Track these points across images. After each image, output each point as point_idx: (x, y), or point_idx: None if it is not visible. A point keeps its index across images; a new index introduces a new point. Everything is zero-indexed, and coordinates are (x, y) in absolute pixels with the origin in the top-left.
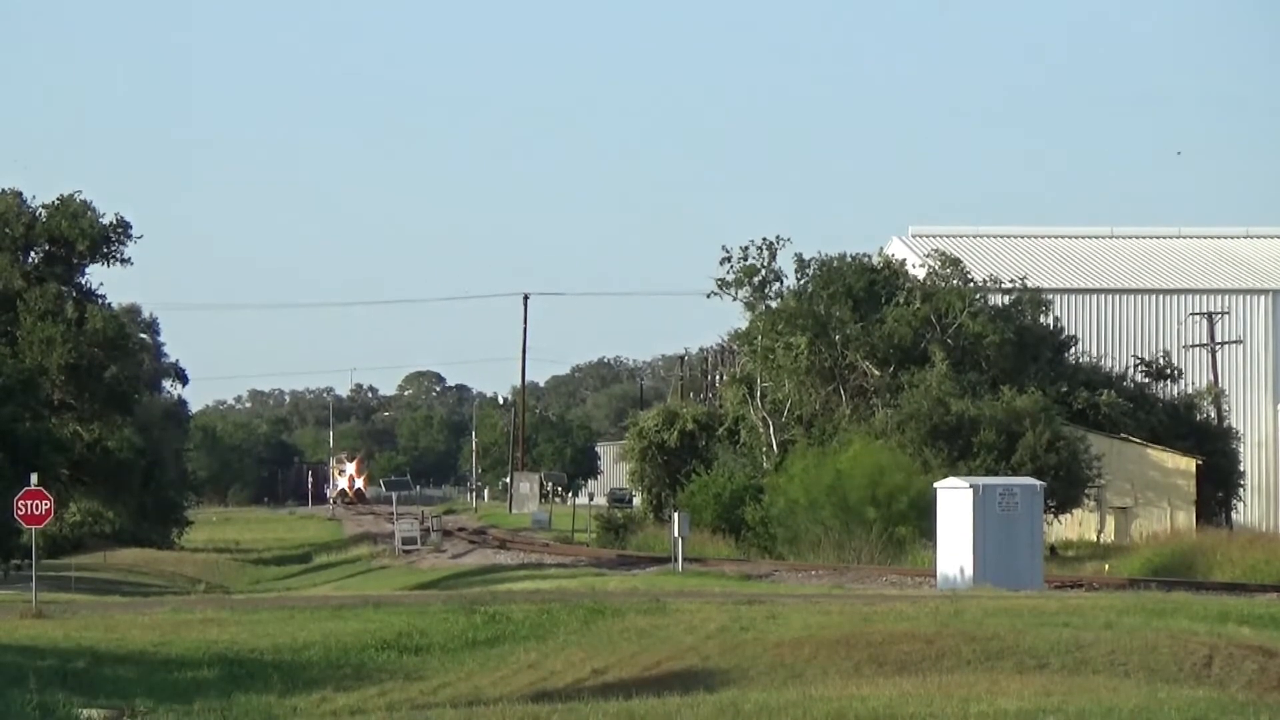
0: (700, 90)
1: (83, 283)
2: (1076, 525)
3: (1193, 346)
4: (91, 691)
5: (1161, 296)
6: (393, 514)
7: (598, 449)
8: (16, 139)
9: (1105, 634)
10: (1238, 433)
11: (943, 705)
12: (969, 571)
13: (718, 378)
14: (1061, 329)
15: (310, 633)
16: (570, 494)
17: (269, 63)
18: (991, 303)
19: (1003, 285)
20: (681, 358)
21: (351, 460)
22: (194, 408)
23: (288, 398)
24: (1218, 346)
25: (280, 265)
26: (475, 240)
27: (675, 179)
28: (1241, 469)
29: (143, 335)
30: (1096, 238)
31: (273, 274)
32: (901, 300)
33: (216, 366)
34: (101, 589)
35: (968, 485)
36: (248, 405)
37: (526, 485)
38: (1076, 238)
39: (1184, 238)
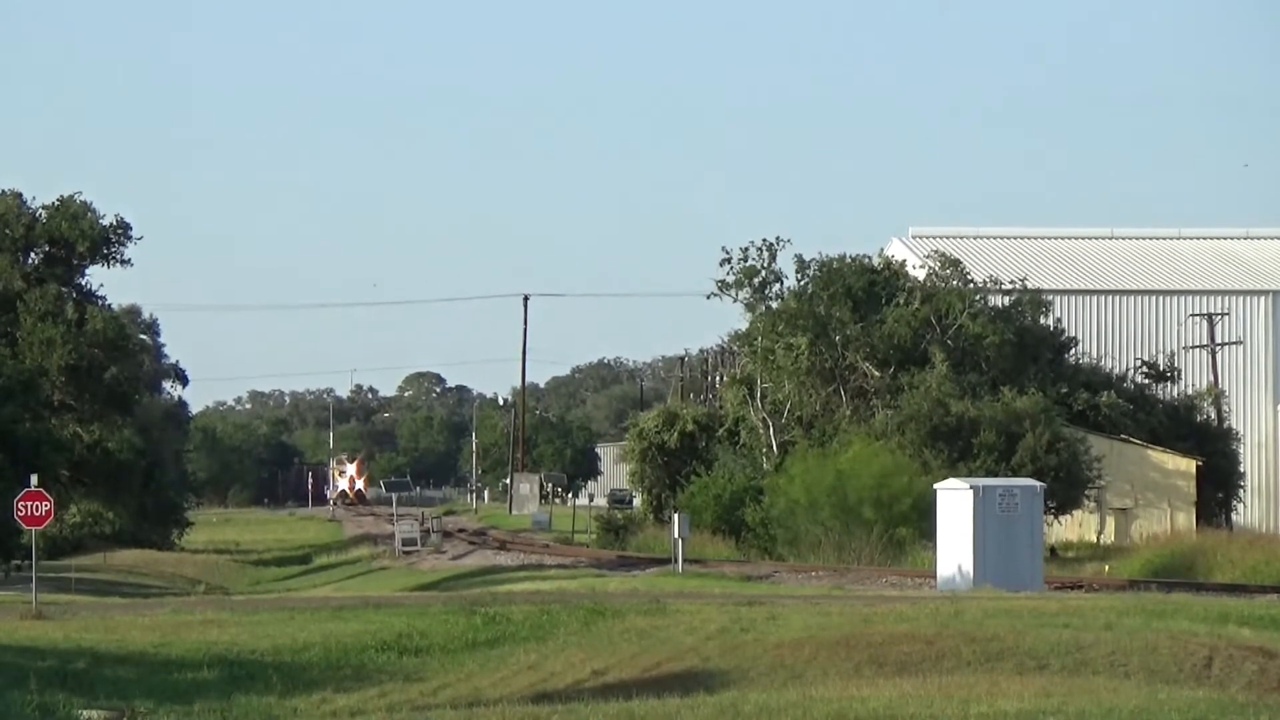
0: (700, 90)
1: (83, 284)
2: (1076, 526)
3: (1193, 347)
4: (91, 692)
5: (1161, 297)
6: (393, 515)
7: (598, 450)
8: (16, 139)
9: (1105, 635)
10: (1238, 434)
11: (943, 706)
12: (969, 572)
13: (718, 379)
14: (1062, 330)
15: (310, 634)
16: (570, 495)
17: (269, 63)
18: (991, 304)
19: (1003, 286)
20: (681, 359)
21: (352, 461)
22: (194, 409)
23: (288, 399)
24: (1218, 347)
25: (280, 265)
26: (475, 240)
27: (675, 179)
28: (1241, 470)
29: (143, 336)
30: (1096, 238)
31: (273, 274)
32: (901, 301)
33: (216, 367)
34: (101, 590)
35: (968, 486)
36: (248, 406)
37: (526, 486)
38: (1076, 238)
39: (1184, 238)
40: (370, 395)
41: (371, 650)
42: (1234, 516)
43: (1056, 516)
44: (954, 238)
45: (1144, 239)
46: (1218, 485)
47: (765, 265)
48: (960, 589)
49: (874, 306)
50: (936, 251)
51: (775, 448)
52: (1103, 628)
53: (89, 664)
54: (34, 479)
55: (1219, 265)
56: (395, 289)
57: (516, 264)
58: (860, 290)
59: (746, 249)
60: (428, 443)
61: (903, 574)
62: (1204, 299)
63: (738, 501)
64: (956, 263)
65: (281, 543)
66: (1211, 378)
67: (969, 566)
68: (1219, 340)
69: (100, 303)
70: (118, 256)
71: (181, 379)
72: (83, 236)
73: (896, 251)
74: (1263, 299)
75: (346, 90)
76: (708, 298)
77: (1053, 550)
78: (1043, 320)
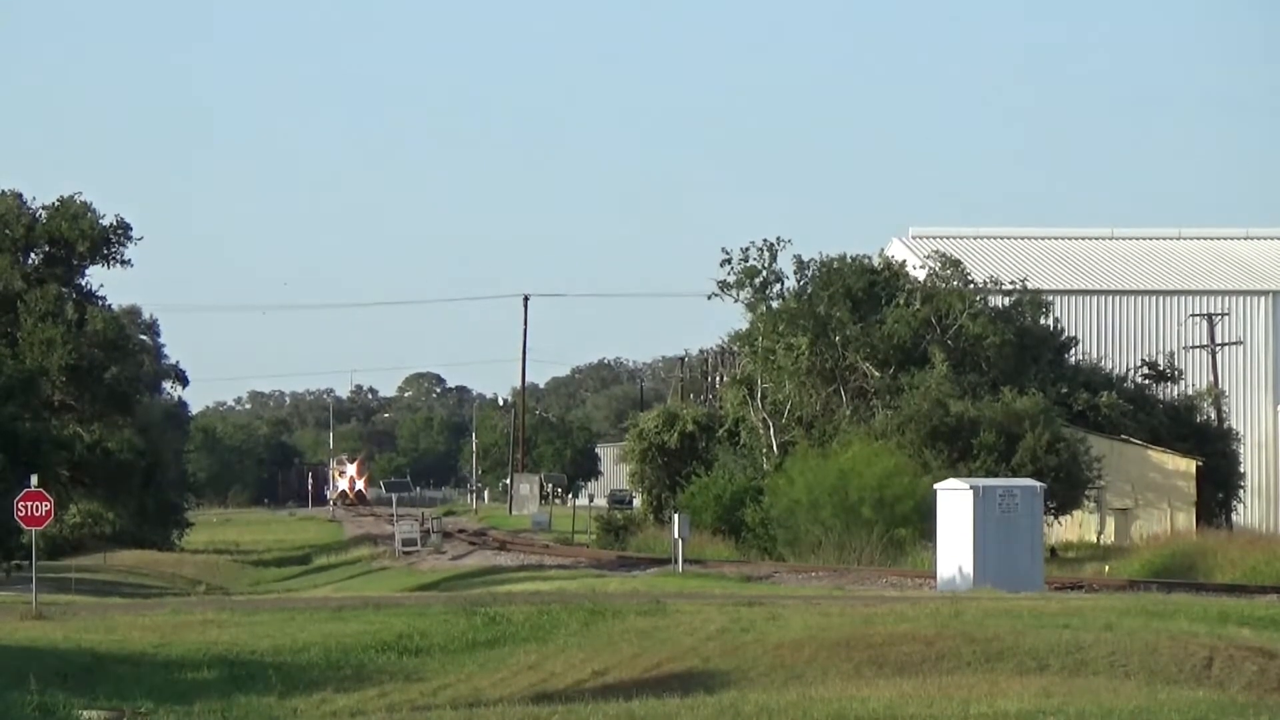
0: (700, 90)
1: (83, 284)
2: (1077, 527)
3: (1193, 348)
4: (92, 693)
5: (1161, 298)
6: (393, 515)
7: (598, 450)
8: (17, 139)
9: (1105, 635)
10: (1238, 434)
11: (943, 706)
12: (969, 573)
13: (718, 379)
14: (1062, 330)
15: (310, 634)
16: (570, 495)
17: (269, 63)
18: (992, 304)
19: (1003, 286)
20: (681, 359)
21: (352, 462)
22: (194, 409)
23: (288, 399)
24: (1218, 348)
25: (280, 265)
26: (475, 240)
27: (675, 179)
28: (1242, 470)
29: (143, 336)
30: (1096, 239)
31: (273, 274)
32: (902, 301)
33: (216, 368)
34: (101, 590)
35: (968, 487)
36: (248, 406)
37: (526, 487)
38: (1076, 239)
39: (1184, 239)
40: (370, 395)
41: (371, 650)
42: (1234, 517)
43: (1056, 517)
44: (954, 238)
45: (1144, 239)
46: (1218, 485)
47: (766, 265)
48: (960, 589)
49: (874, 307)
50: (937, 252)
51: (775, 448)
52: (1103, 628)
53: (89, 664)
54: (34, 479)
55: (1219, 265)
56: (395, 289)
57: (516, 264)
58: (860, 290)
59: (747, 249)
60: (428, 443)
61: (903, 574)
62: (1204, 299)
63: (738, 502)
64: (957, 263)
65: (281, 543)
66: (1211, 378)
67: (969, 567)
68: (1219, 340)
69: (100, 303)
70: (118, 257)
71: (181, 379)
72: (83, 237)
73: (896, 252)
74: (1263, 299)
75: (347, 90)
76: (709, 298)
77: (1053, 551)
78: (1043, 320)
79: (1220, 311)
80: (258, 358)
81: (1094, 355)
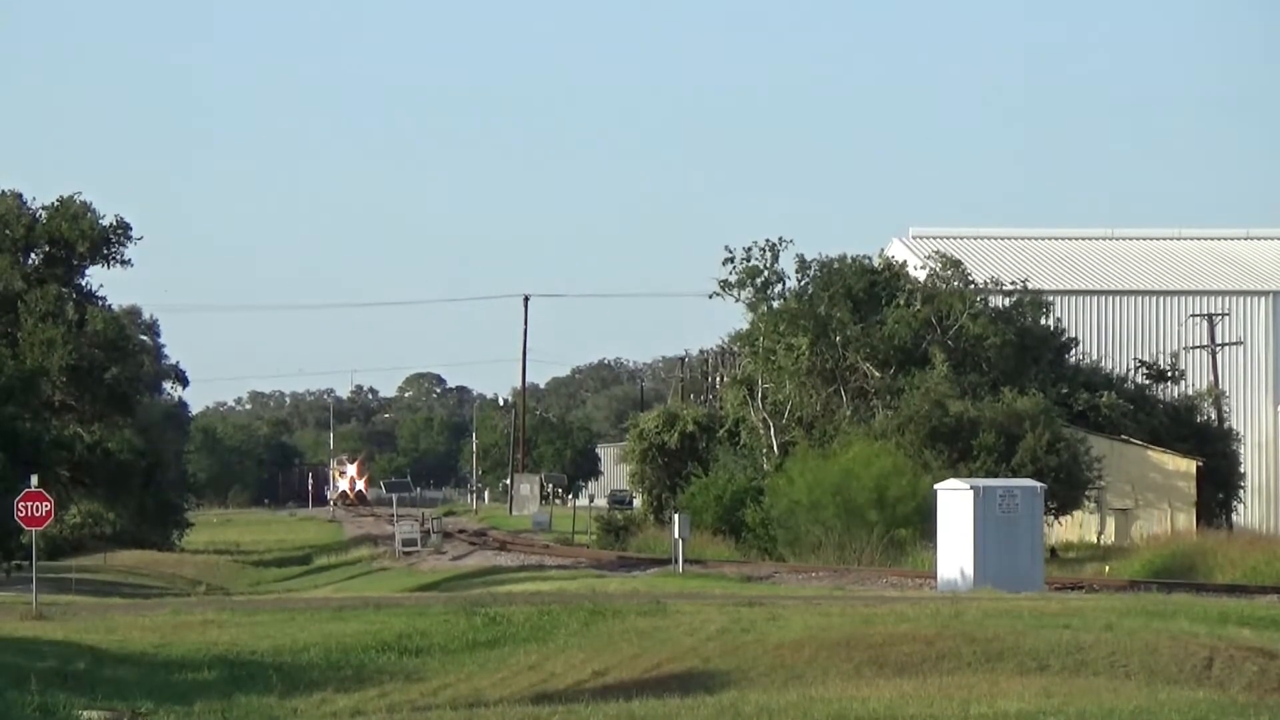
0: (700, 90)
1: (83, 284)
2: (1077, 527)
3: (1193, 348)
4: (92, 693)
5: (1161, 298)
6: (393, 516)
7: (598, 451)
8: (17, 139)
9: (1106, 635)
10: (1238, 434)
11: (943, 707)
12: (969, 573)
13: (718, 379)
14: (1062, 331)
15: (310, 634)
16: (570, 495)
17: (269, 63)
18: (992, 304)
19: (1003, 287)
20: (682, 359)
21: (352, 462)
22: (194, 409)
23: (288, 399)
24: (1218, 348)
25: (280, 265)
26: (475, 240)
27: (675, 179)
28: (1242, 470)
29: (143, 337)
30: (1096, 239)
31: (273, 274)
32: (902, 302)
33: (216, 367)
34: (102, 591)
35: (968, 487)
36: (248, 407)
37: (527, 487)
38: (1076, 239)
39: (1184, 239)
40: (370, 396)
41: (372, 651)
42: (1234, 517)
43: (1057, 517)
44: (954, 238)
45: (1144, 239)
46: (1218, 486)
47: (768, 265)
48: (960, 589)
49: (875, 307)
50: (937, 252)
51: (775, 448)
52: (1103, 628)
53: (89, 664)
54: (34, 479)
55: (1219, 265)
56: (395, 289)
57: (516, 264)
58: (861, 291)
59: (749, 249)
60: (428, 443)
61: (903, 574)
62: (1204, 299)
63: (738, 502)
64: (957, 263)
65: (282, 543)
66: (1211, 378)
67: (969, 567)
68: (1219, 340)
69: (100, 303)
70: (118, 257)
71: (181, 380)
72: (83, 237)
73: (897, 252)
74: (1263, 299)
75: (347, 90)
76: (710, 297)
77: (1053, 551)
78: (1043, 321)
79: (1220, 311)
80: (258, 358)
81: (1094, 355)
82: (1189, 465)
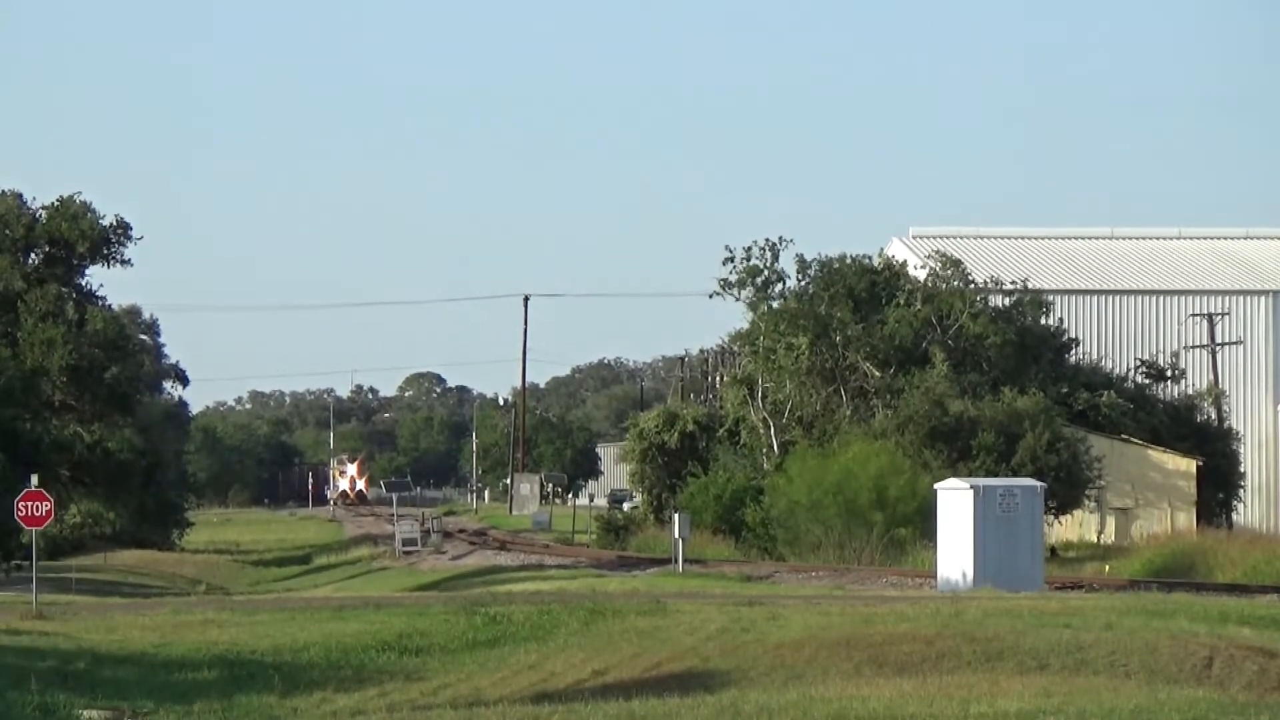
0: (700, 90)
1: (83, 284)
2: (1077, 526)
3: (1193, 347)
4: (92, 692)
5: (1162, 297)
6: (393, 515)
7: (598, 450)
8: (17, 139)
9: (1105, 635)
10: (1238, 433)
11: (943, 706)
12: (969, 573)
13: (718, 379)
14: (1063, 330)
15: (311, 634)
16: (570, 495)
17: (270, 63)
18: (992, 304)
19: (1004, 286)
20: (682, 359)
21: (352, 461)
22: (194, 409)
23: (288, 399)
24: (1218, 347)
25: (280, 265)
26: (475, 240)
27: (675, 179)
28: (1242, 470)
29: (143, 336)
30: (1097, 238)
31: (273, 274)
32: (902, 301)
33: (217, 368)
34: (102, 590)
35: (968, 486)
36: (248, 406)
37: (527, 486)
38: (1077, 239)
39: (1184, 238)
40: (370, 395)
41: (372, 650)
42: (1234, 516)
43: (1057, 516)
44: (954, 238)
45: (1144, 239)
46: (1218, 485)
47: (768, 265)
48: (960, 589)
49: (875, 307)
50: (937, 252)
51: (775, 448)
52: (1103, 628)
53: (89, 664)
54: (34, 479)
55: (1219, 265)
56: (395, 289)
57: (516, 264)
58: (861, 290)
59: (750, 248)
60: (428, 443)
61: (903, 574)
62: (1204, 299)
63: (738, 501)
64: (957, 263)
65: (282, 543)
66: (1211, 378)
67: (969, 566)
68: (1219, 340)
69: (100, 303)
70: (118, 257)
71: (182, 379)
72: (83, 237)
73: (897, 252)
74: (1263, 299)
75: (347, 90)
76: (710, 296)
77: (1053, 550)
78: (1043, 320)
79: (1220, 311)
80: (258, 358)
81: (1094, 355)
82: (1189, 465)
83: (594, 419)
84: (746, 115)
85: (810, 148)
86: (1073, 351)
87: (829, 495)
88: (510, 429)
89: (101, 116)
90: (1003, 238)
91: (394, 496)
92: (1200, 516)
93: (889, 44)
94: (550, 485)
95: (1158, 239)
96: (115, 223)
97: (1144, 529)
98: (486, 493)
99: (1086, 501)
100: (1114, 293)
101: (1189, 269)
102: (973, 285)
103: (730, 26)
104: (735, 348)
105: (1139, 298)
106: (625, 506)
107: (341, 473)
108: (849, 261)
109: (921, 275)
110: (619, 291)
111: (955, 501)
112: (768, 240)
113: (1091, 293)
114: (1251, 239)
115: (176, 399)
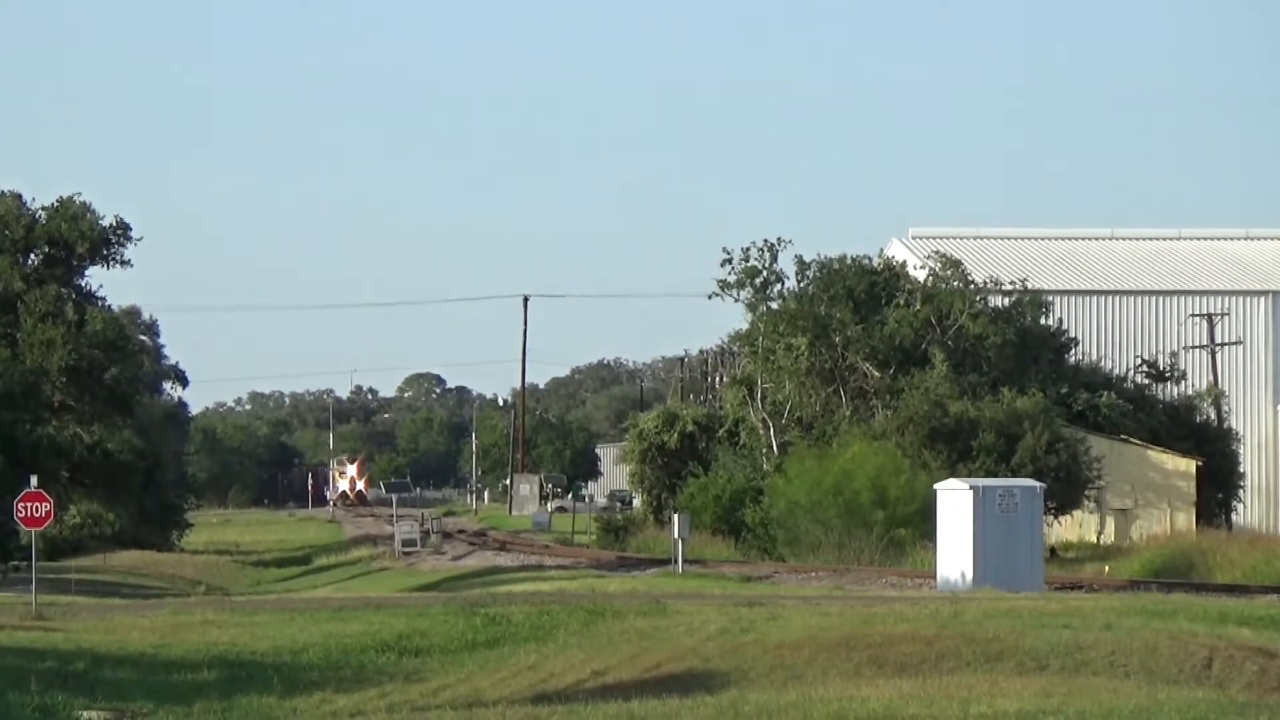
0: (701, 90)
1: (83, 285)
2: (1076, 527)
3: (1193, 348)
4: (91, 693)
5: (1161, 298)
6: (393, 516)
7: (598, 451)
8: (17, 139)
9: (1105, 635)
10: (1238, 434)
11: (943, 706)
12: (969, 573)
13: (718, 379)
14: (1063, 330)
15: (310, 634)
16: (570, 495)
17: (269, 63)
18: (992, 304)
19: (1003, 287)
20: (681, 359)
21: (352, 462)
22: (194, 410)
23: (288, 399)
24: (1218, 348)
25: (280, 265)
26: (475, 240)
27: (675, 179)
28: (1241, 470)
29: (142, 337)
30: (1097, 239)
31: (273, 274)
32: (902, 302)
33: (216, 368)
34: (101, 591)
35: (968, 487)
36: (248, 407)
37: (526, 487)
38: (1077, 239)
39: (1184, 239)
40: (370, 396)
41: (371, 651)
42: (1234, 517)
43: (1056, 517)
44: (954, 238)
45: (1144, 239)
46: (1218, 485)
47: (767, 265)
48: (960, 589)
49: (874, 307)
50: (937, 252)
51: (775, 448)
52: (1103, 628)
53: (89, 665)
54: (34, 480)
55: (1219, 265)
56: (395, 289)
57: (516, 264)
58: (861, 291)
59: (748, 249)
60: (428, 444)
61: (903, 574)
62: (1204, 299)
63: (737, 502)
64: (957, 263)
65: (281, 544)
66: (1211, 378)
67: (969, 567)
68: (1219, 340)
69: (100, 303)
70: (117, 257)
71: (181, 380)
72: (82, 237)
73: (896, 252)
74: (1263, 299)
75: (347, 90)
76: (709, 297)
77: (1053, 550)
78: (1043, 321)
79: (1220, 311)
80: (258, 358)
81: (1094, 355)
82: (1189, 465)
83: (594, 419)
84: (746, 115)
85: (810, 148)
86: (1072, 352)
87: (828, 496)
88: (510, 429)
89: (101, 117)
90: (1002, 238)
91: (394, 497)
92: (1200, 517)
93: (889, 44)
94: (550, 486)
95: (1157, 239)
96: (115, 223)
97: (1143, 529)
98: (486, 493)
99: (1086, 502)
100: (1114, 293)
101: (1189, 269)
102: (972, 286)
103: (730, 27)
104: (735, 348)
105: (1139, 298)
106: (623, 504)
107: (341, 473)
108: (848, 262)
109: (921, 276)
110: (619, 292)
111: (955, 502)
112: (766, 241)
113: (1091, 293)
114: (1251, 239)
115: (176, 400)
